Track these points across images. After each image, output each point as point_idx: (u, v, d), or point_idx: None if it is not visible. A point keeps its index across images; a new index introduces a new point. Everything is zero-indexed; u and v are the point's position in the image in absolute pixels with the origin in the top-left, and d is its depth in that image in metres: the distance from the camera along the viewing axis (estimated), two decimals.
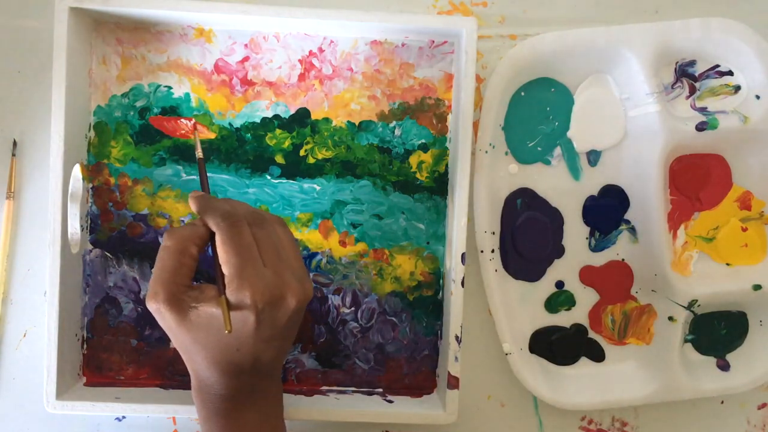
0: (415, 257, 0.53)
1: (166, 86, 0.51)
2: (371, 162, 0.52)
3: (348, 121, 0.52)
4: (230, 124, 0.51)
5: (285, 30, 0.51)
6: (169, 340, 0.51)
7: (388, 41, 0.51)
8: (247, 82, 0.51)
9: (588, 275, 0.54)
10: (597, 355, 0.55)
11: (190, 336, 0.41)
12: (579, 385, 0.54)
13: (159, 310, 0.41)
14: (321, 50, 0.51)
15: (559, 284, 0.54)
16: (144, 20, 0.50)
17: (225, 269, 0.40)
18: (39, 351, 0.52)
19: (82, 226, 0.50)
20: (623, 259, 0.54)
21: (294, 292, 0.41)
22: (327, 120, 0.51)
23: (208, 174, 0.51)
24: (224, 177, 0.51)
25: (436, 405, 0.51)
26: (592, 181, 0.53)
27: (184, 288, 0.41)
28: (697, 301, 0.53)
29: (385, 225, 0.52)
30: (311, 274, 0.52)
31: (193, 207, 0.43)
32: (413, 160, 0.52)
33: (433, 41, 0.51)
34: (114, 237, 0.51)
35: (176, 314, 0.40)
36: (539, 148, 0.53)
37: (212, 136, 0.51)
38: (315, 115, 0.51)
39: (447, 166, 0.52)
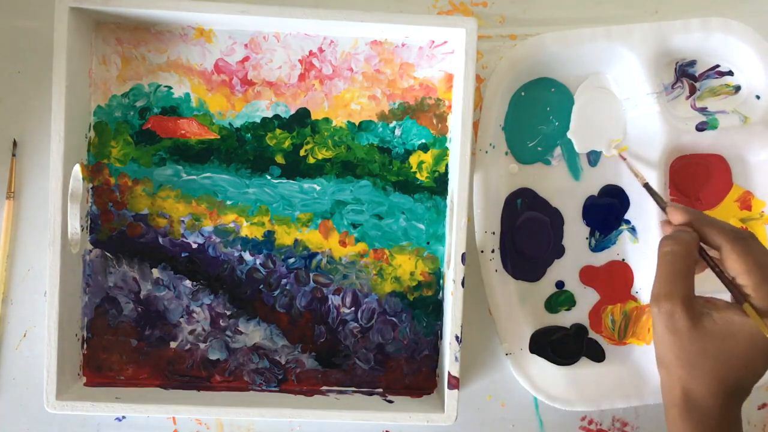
0: (415, 257, 0.53)
1: (166, 86, 0.51)
2: (371, 162, 0.52)
3: (348, 121, 0.52)
4: (230, 124, 0.51)
5: (285, 30, 0.51)
6: (171, 340, 0.52)
7: (388, 41, 0.51)
8: (247, 82, 0.51)
9: (588, 275, 0.54)
10: (597, 355, 0.55)
11: (700, 345, 0.40)
12: (579, 385, 0.54)
13: (672, 312, 0.40)
14: (321, 50, 0.51)
15: (559, 284, 0.54)
16: (144, 20, 0.50)
17: (745, 279, 0.40)
18: (39, 351, 0.52)
19: (82, 226, 0.50)
20: (623, 259, 0.54)
21: None
22: (327, 120, 0.51)
23: (208, 174, 0.51)
24: (224, 177, 0.51)
25: (436, 405, 0.51)
26: (592, 181, 0.53)
27: (693, 294, 0.41)
28: None
29: (385, 225, 0.52)
30: (311, 274, 0.52)
31: (681, 218, 0.44)
32: (413, 160, 0.52)
33: (433, 41, 0.51)
34: (114, 237, 0.51)
35: (691, 318, 0.40)
36: (539, 148, 0.53)
37: (215, 136, 0.51)
38: (315, 115, 0.51)
39: (447, 166, 0.52)
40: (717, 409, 0.41)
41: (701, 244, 0.44)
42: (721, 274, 0.43)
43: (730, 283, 0.42)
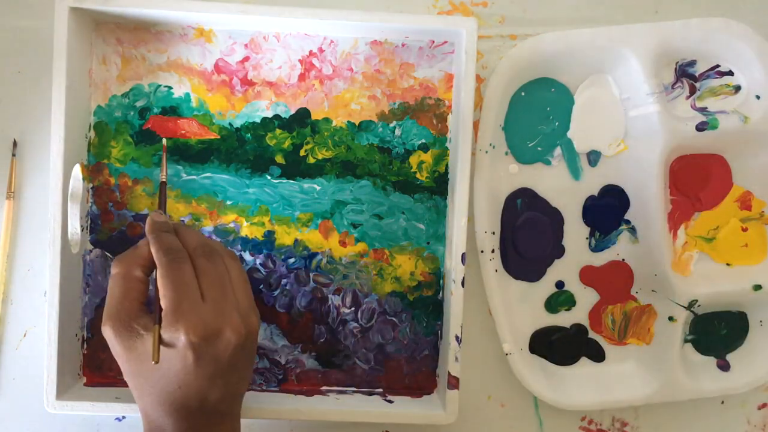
0: (415, 257, 0.53)
1: (166, 86, 0.51)
2: (371, 162, 0.52)
3: (348, 121, 0.52)
4: (230, 124, 0.51)
5: (285, 30, 0.51)
6: None
7: (388, 41, 0.51)
8: (247, 82, 0.51)
9: (588, 275, 0.54)
10: (597, 355, 0.55)
11: (137, 367, 0.41)
12: (579, 385, 0.54)
13: (109, 339, 0.41)
14: (321, 50, 0.51)
15: (560, 284, 0.54)
16: (144, 20, 0.50)
17: (162, 303, 0.40)
18: (39, 351, 0.52)
19: (82, 226, 0.50)
20: (623, 259, 0.54)
21: (234, 326, 0.40)
22: (327, 120, 0.51)
23: (208, 174, 0.51)
24: (224, 177, 0.51)
25: (436, 405, 0.51)
26: (592, 181, 0.53)
27: (134, 314, 0.41)
28: (697, 301, 0.53)
29: (385, 225, 0.52)
30: (311, 274, 0.52)
31: (146, 229, 0.44)
32: (413, 160, 0.52)
33: (433, 41, 0.51)
34: (114, 237, 0.51)
35: (124, 342, 0.40)
36: (539, 148, 0.53)
37: (215, 136, 0.51)
38: (315, 115, 0.51)
39: (447, 166, 0.52)
40: (169, 428, 0.41)
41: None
42: (157, 295, 0.41)
43: (157, 304, 0.41)
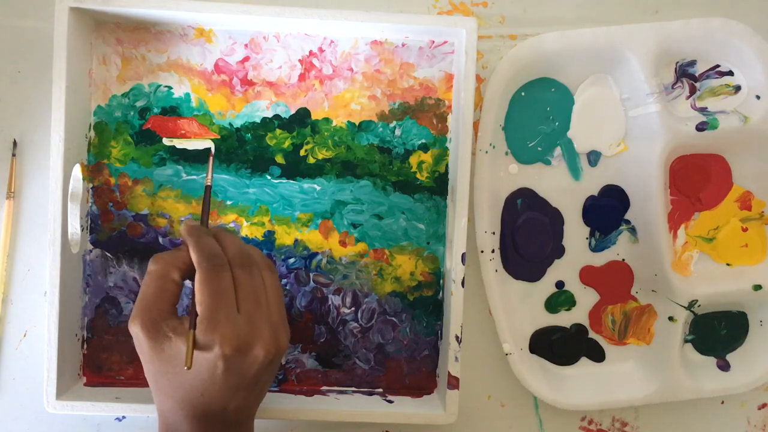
0: (415, 257, 0.53)
1: (166, 86, 0.51)
2: (371, 162, 0.52)
3: (348, 121, 0.52)
4: (230, 124, 0.51)
5: (285, 30, 0.51)
6: None
7: (388, 41, 0.51)
8: (247, 82, 0.51)
9: (588, 275, 0.54)
10: (597, 355, 0.55)
11: (161, 368, 0.41)
12: (579, 385, 0.54)
13: (137, 336, 0.41)
14: (321, 50, 0.51)
15: (560, 284, 0.54)
16: (144, 20, 0.50)
17: (198, 309, 0.40)
18: (39, 351, 0.52)
19: (82, 226, 0.50)
20: (623, 259, 0.54)
21: (264, 343, 0.40)
22: (327, 120, 0.51)
23: None
24: (224, 177, 0.51)
25: (436, 405, 0.51)
26: (592, 181, 0.53)
27: (165, 314, 0.41)
28: (697, 301, 0.53)
29: (386, 225, 0.52)
30: (311, 274, 0.52)
31: (183, 235, 0.43)
32: (413, 160, 0.52)
33: (433, 41, 0.51)
34: (114, 237, 0.51)
35: (152, 341, 0.40)
36: (539, 148, 0.53)
37: (215, 136, 0.51)
38: (315, 115, 0.51)
39: (447, 166, 0.52)
40: (185, 430, 0.41)
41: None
42: (193, 300, 0.41)
43: (193, 309, 0.41)
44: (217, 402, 0.41)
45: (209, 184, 0.47)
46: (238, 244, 0.44)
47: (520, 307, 0.54)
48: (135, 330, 0.41)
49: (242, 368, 0.40)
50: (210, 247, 0.42)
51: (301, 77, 0.51)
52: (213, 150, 0.50)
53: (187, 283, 0.45)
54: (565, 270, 0.54)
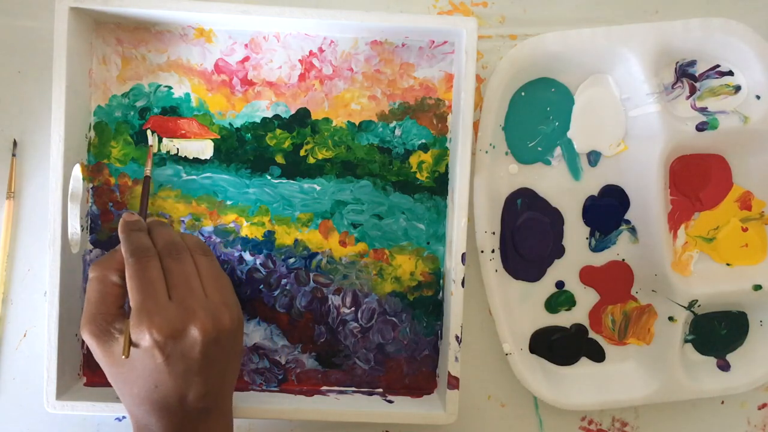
0: (415, 257, 0.53)
1: (166, 86, 0.51)
2: (371, 162, 0.52)
3: (348, 121, 0.52)
4: (230, 124, 0.51)
5: (285, 30, 0.51)
6: None
7: (389, 41, 0.51)
8: (247, 82, 0.51)
9: (588, 275, 0.54)
10: (597, 355, 0.55)
11: (115, 369, 0.42)
12: (579, 385, 0.54)
13: (89, 342, 0.42)
14: (321, 50, 0.51)
15: (560, 284, 0.54)
16: (144, 20, 0.50)
17: (131, 303, 0.41)
18: (39, 351, 0.52)
19: (82, 226, 0.50)
20: (623, 259, 0.54)
21: (200, 324, 0.41)
22: (327, 120, 0.51)
23: (208, 174, 0.51)
24: (224, 177, 0.51)
25: (436, 405, 0.51)
26: (592, 181, 0.53)
27: (110, 318, 0.42)
28: (697, 301, 0.53)
29: (386, 225, 0.52)
30: (311, 274, 0.52)
31: (118, 232, 0.45)
32: (413, 160, 0.52)
33: (433, 41, 0.51)
34: (114, 237, 0.51)
35: (102, 345, 0.41)
36: (539, 148, 0.53)
37: (215, 136, 0.51)
38: (315, 115, 0.51)
39: (447, 166, 0.52)
40: (155, 427, 0.41)
41: None
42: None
43: (128, 301, 0.42)
44: (173, 391, 0.41)
45: (148, 174, 0.48)
46: (167, 234, 0.45)
47: (520, 307, 0.54)
48: (86, 338, 0.42)
49: (183, 352, 0.40)
50: (137, 242, 0.43)
51: (301, 77, 0.51)
52: (151, 143, 0.50)
53: None
54: (565, 270, 0.54)
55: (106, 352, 0.41)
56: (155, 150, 0.50)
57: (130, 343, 0.40)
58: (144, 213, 0.48)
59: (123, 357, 0.40)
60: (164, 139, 0.51)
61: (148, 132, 0.50)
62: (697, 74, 0.53)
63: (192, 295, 0.42)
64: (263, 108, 0.51)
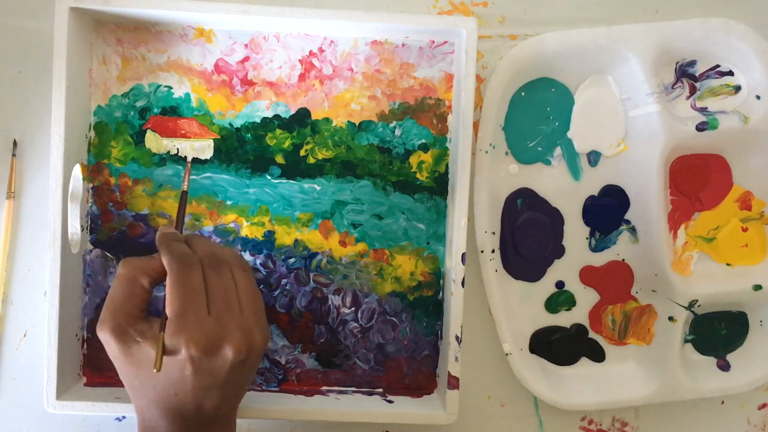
0: (415, 257, 0.53)
1: (166, 86, 0.51)
2: (371, 162, 0.52)
3: (348, 121, 0.52)
4: (230, 124, 0.51)
5: (285, 30, 0.51)
6: None
7: (389, 41, 0.51)
8: (247, 82, 0.51)
9: (588, 275, 0.54)
10: (597, 355, 0.55)
11: (133, 371, 0.41)
12: (579, 385, 0.54)
13: (106, 340, 0.41)
14: (321, 50, 0.51)
15: (560, 284, 0.54)
16: (144, 20, 0.50)
17: (168, 311, 0.40)
18: (39, 351, 0.52)
19: (82, 226, 0.50)
20: (623, 259, 0.54)
21: (234, 343, 0.40)
22: (327, 120, 0.51)
23: (208, 174, 0.51)
24: (224, 177, 0.51)
25: (436, 405, 0.51)
26: (592, 181, 0.53)
27: (132, 319, 0.41)
28: (697, 301, 0.53)
29: (386, 225, 0.52)
30: (311, 274, 0.52)
31: (156, 243, 0.44)
32: (413, 160, 0.52)
33: (434, 41, 0.51)
34: (114, 237, 0.51)
35: (120, 346, 0.40)
36: (539, 148, 0.53)
37: (215, 136, 0.51)
38: (315, 115, 0.51)
39: (447, 166, 0.52)
40: (162, 429, 0.41)
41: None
42: (164, 304, 0.41)
43: (164, 312, 0.41)
44: (192, 401, 0.41)
45: (185, 189, 0.47)
46: (208, 245, 0.44)
47: (520, 307, 0.54)
48: (103, 334, 0.41)
49: (212, 369, 0.40)
50: (180, 250, 0.42)
51: (301, 77, 0.51)
52: (190, 159, 0.50)
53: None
54: (565, 270, 0.54)
55: (124, 351, 0.41)
56: (158, 151, 0.50)
57: (164, 352, 0.40)
58: (181, 227, 0.47)
59: (154, 370, 0.39)
60: (164, 140, 0.51)
61: (187, 146, 0.49)
62: (697, 74, 0.53)
63: (229, 311, 0.41)
64: (263, 108, 0.51)
